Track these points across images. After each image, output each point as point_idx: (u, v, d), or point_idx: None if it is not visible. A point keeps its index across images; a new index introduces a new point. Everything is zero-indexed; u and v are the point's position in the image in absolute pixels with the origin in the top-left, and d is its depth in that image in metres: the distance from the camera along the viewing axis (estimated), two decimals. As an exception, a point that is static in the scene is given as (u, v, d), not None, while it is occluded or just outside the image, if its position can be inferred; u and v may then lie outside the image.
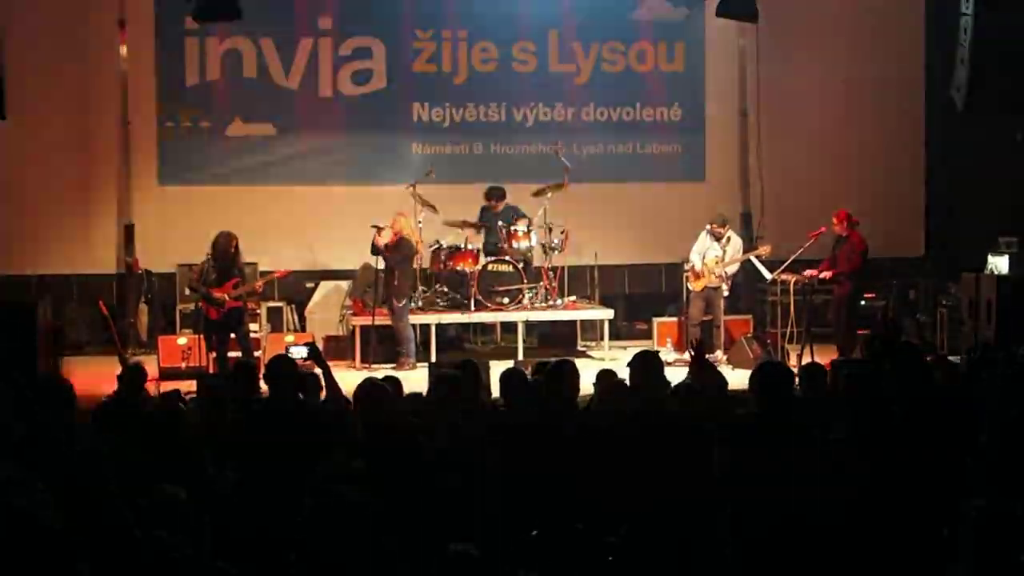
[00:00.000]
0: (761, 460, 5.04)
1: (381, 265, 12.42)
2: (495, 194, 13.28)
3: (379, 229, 12.26)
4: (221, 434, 6.10)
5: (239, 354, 10.65)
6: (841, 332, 11.99)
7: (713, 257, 12.51)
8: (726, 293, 12.69)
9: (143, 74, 13.97)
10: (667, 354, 12.30)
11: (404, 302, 12.29)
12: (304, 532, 3.57)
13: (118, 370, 7.72)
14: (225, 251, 11.02)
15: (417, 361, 12.09)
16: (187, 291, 12.15)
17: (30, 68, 13.11)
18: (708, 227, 12.69)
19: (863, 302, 12.92)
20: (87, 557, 2.47)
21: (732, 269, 12.74)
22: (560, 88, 14.78)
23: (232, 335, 11.02)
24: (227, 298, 10.91)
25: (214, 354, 11.01)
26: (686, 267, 13.01)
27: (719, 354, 12.22)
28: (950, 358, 9.70)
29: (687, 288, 13.05)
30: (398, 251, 12.26)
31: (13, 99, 11.70)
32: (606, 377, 6.55)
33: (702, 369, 6.72)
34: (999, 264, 12.57)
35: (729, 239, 12.67)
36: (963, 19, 12.16)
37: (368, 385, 6.05)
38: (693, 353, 6.91)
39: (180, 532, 4.18)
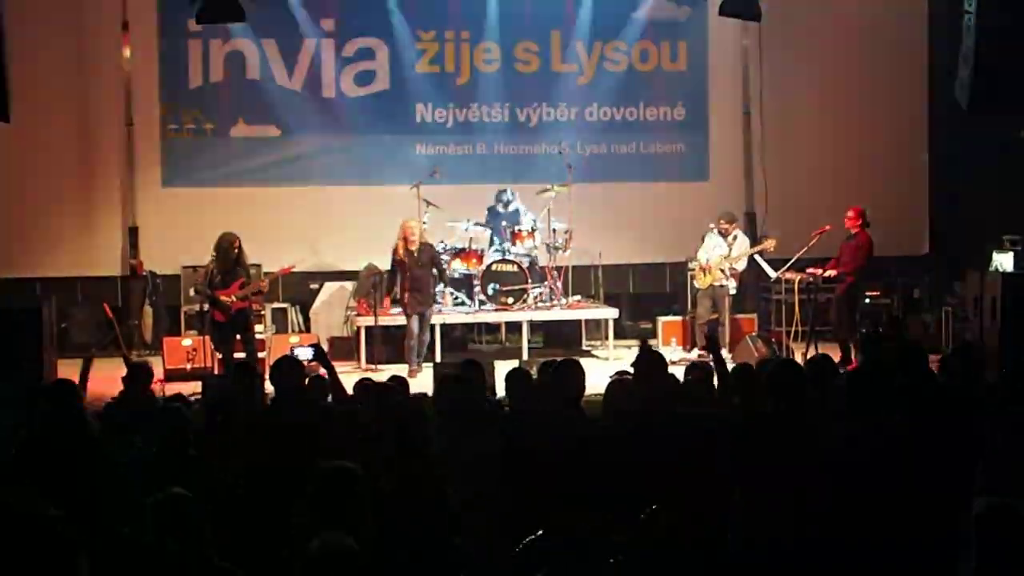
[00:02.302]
0: (768, 459, 5.03)
1: (386, 267, 12.39)
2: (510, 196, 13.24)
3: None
4: (225, 435, 6.09)
5: (245, 355, 10.65)
6: (842, 329, 11.95)
7: (719, 254, 12.52)
8: (733, 291, 12.68)
9: (146, 76, 13.99)
10: (673, 353, 12.32)
11: None
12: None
13: (123, 372, 7.70)
14: (227, 253, 11.00)
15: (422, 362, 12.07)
16: (192, 293, 12.14)
17: (34, 71, 13.11)
18: (715, 224, 12.69)
19: (867, 300, 12.91)
20: (86, 553, 2.46)
21: (741, 265, 12.72)
22: (563, 88, 14.78)
23: (238, 337, 11.02)
24: (234, 299, 10.90)
25: (220, 356, 11.01)
26: (691, 265, 13.00)
27: (724, 353, 12.20)
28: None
29: (692, 287, 13.03)
30: (433, 253, 12.16)
31: (17, 102, 11.67)
32: (616, 377, 6.54)
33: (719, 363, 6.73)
34: (1004, 262, 12.54)
35: (736, 237, 12.69)
36: (966, 17, 12.14)
37: (368, 384, 6.05)
38: (707, 350, 6.90)
39: (185, 533, 4.18)
